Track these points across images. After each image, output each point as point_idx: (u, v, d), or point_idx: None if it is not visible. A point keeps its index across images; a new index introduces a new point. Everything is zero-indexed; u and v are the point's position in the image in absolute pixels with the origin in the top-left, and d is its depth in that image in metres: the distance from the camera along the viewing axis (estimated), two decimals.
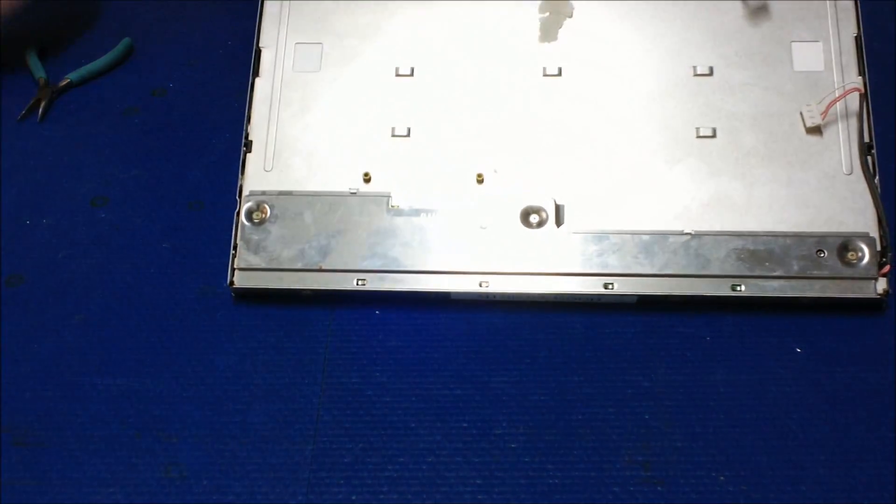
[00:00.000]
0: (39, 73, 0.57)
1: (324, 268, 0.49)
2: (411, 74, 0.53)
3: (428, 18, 0.54)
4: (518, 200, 0.49)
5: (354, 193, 0.50)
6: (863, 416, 0.44)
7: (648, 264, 0.47)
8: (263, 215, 0.50)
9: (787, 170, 0.49)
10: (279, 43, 0.53)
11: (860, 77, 0.49)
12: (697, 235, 0.48)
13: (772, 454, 0.43)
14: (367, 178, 0.50)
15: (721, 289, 0.47)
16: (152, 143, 0.56)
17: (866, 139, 0.49)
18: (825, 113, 0.49)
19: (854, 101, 0.49)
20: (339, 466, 0.44)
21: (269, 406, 0.46)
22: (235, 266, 0.49)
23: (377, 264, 0.48)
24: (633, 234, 0.48)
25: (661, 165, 0.50)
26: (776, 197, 0.48)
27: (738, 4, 0.52)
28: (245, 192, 0.50)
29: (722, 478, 0.43)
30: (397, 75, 0.53)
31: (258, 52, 0.53)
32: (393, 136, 0.51)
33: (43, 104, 0.56)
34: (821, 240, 0.47)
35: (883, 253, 0.47)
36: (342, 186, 0.50)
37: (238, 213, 0.50)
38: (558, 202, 0.49)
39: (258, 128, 0.52)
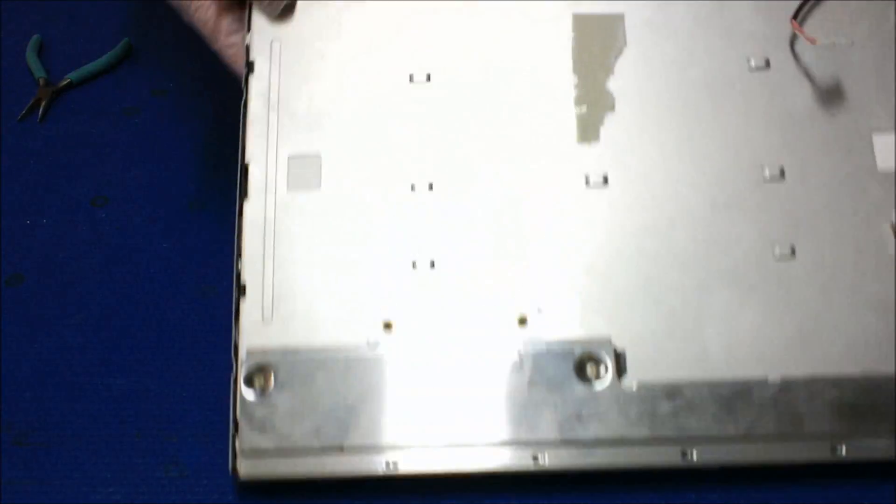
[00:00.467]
0: (39, 72, 0.57)
1: (346, 448, 0.41)
2: (430, 189, 0.45)
3: (448, 121, 0.45)
4: (569, 346, 0.42)
5: (374, 347, 0.43)
6: None
7: (732, 425, 0.40)
8: (267, 384, 0.42)
9: (883, 294, 0.42)
10: (269, 156, 0.45)
11: None
12: (785, 384, 0.41)
13: None
14: (388, 326, 0.43)
15: (818, 452, 0.40)
16: (152, 143, 0.56)
17: None
18: None
19: None
20: None
21: None
22: (238, 449, 0.42)
23: (410, 440, 0.41)
24: (710, 384, 0.41)
25: (732, 293, 0.43)
26: (874, 329, 0.41)
27: (805, 91, 0.46)
28: (242, 352, 0.42)
29: None
30: (413, 190, 0.45)
31: (245, 169, 0.45)
32: (414, 269, 0.43)
33: (43, 104, 0.56)
34: None
35: None
36: (359, 338, 0.43)
37: (236, 381, 0.41)
38: (617, 347, 0.42)
39: (252, 266, 0.43)
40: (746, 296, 0.43)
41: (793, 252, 0.43)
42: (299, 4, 0.48)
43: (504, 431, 0.41)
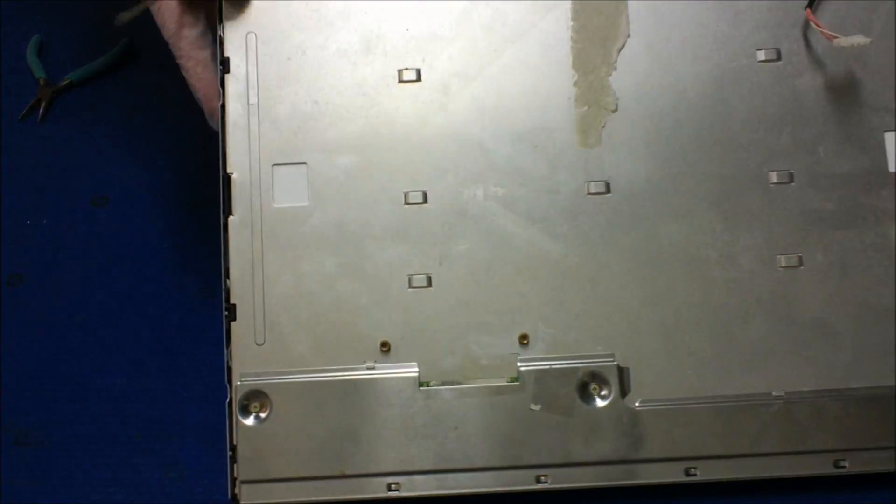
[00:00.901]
0: (40, 73, 0.57)
1: (346, 473, 0.41)
2: (424, 201, 0.43)
3: (440, 123, 0.44)
4: (573, 364, 0.41)
5: (372, 368, 0.42)
6: None
7: (736, 442, 0.40)
8: (263, 410, 0.41)
9: (891, 305, 0.41)
10: (251, 165, 0.43)
11: None
12: (789, 399, 0.40)
13: None
14: (386, 347, 0.42)
15: (822, 466, 0.40)
16: (153, 143, 0.56)
17: None
18: None
19: None
20: None
21: None
22: (238, 478, 0.41)
23: (411, 463, 0.40)
24: (714, 401, 0.41)
25: (737, 306, 0.42)
26: (879, 341, 0.41)
27: (817, 85, 0.44)
28: (236, 377, 0.41)
29: None
30: (407, 203, 0.43)
31: (227, 179, 0.43)
32: (411, 287, 0.42)
33: (43, 104, 0.56)
34: None
35: None
36: (356, 360, 0.42)
37: (231, 407, 0.41)
38: (620, 365, 0.41)
39: (241, 286, 0.42)
40: (751, 308, 0.42)
41: (800, 261, 0.42)
42: None
43: (507, 452, 0.41)
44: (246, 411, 0.42)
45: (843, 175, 0.43)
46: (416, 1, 0.45)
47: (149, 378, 0.47)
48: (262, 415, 0.42)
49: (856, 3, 0.45)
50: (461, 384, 0.42)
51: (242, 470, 0.41)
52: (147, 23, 0.61)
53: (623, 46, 0.45)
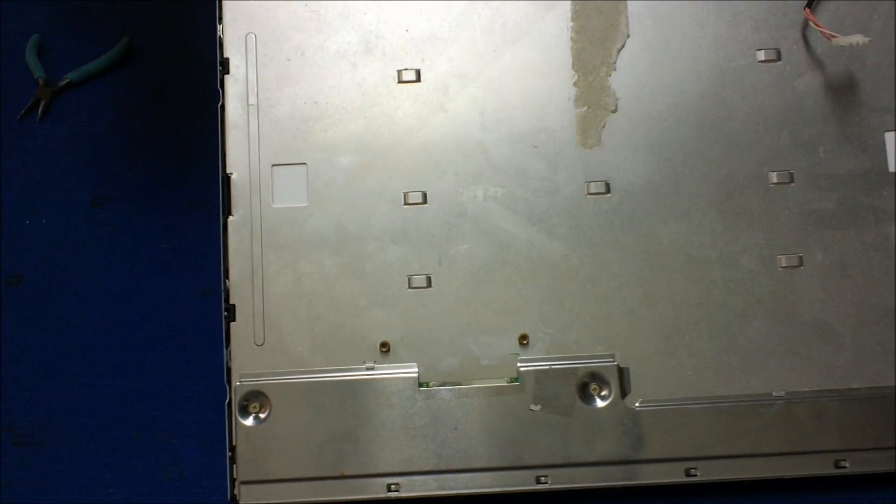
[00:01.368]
0: (39, 72, 0.57)
1: (346, 473, 0.41)
2: (424, 202, 0.43)
3: (439, 124, 0.44)
4: (573, 365, 0.41)
5: (371, 368, 0.42)
6: None
7: (736, 442, 0.40)
8: (263, 411, 0.41)
9: (891, 304, 0.41)
10: (251, 165, 0.43)
11: None
12: (789, 399, 0.41)
13: None
14: (386, 347, 0.42)
15: (822, 466, 0.40)
16: (152, 143, 0.55)
17: None
18: None
19: None
20: None
21: None
22: (237, 478, 0.41)
23: (411, 463, 0.40)
24: (714, 401, 0.41)
25: (737, 307, 0.42)
26: (880, 341, 0.41)
27: (816, 85, 0.44)
28: (235, 377, 0.41)
29: None
30: (407, 203, 0.43)
31: (227, 179, 0.43)
32: (410, 287, 0.42)
33: (42, 104, 0.56)
34: None
35: None
36: (355, 360, 0.42)
37: (230, 407, 0.41)
38: (621, 365, 0.41)
39: (240, 286, 0.42)
40: (752, 308, 0.42)
41: (800, 261, 0.42)
42: None
43: (507, 452, 0.41)
44: (245, 412, 0.42)
45: (843, 175, 0.43)
46: (415, 1, 0.45)
47: (149, 378, 0.47)
48: (262, 415, 0.42)
49: (855, 2, 0.45)
50: (461, 385, 0.42)
51: (242, 470, 0.41)
52: (147, 22, 0.62)
53: (623, 47, 0.45)
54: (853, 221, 0.43)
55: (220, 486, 0.42)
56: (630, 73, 0.44)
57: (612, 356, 0.42)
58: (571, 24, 0.45)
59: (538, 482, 0.41)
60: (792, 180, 0.43)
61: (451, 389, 0.42)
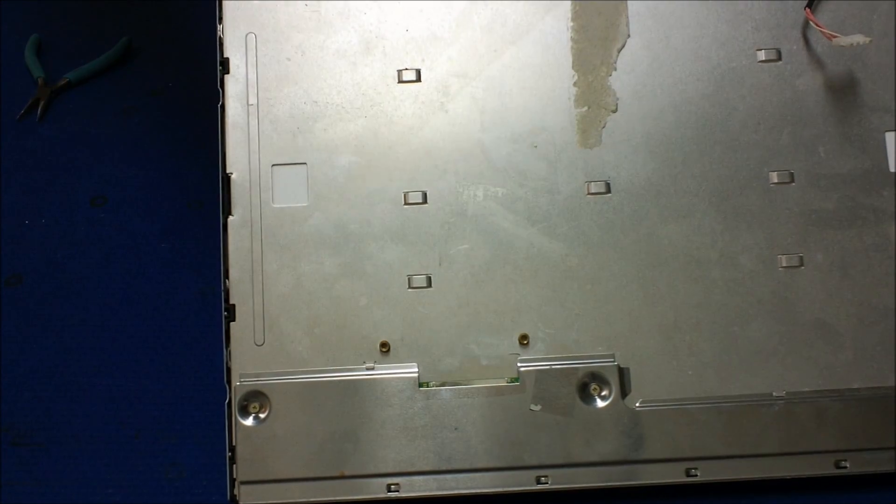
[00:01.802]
0: (38, 72, 0.57)
1: (346, 473, 0.41)
2: (424, 201, 0.43)
3: (440, 123, 0.44)
4: (573, 365, 0.41)
5: (371, 368, 0.42)
6: None
7: (737, 442, 0.40)
8: (263, 411, 0.41)
9: (891, 304, 0.41)
10: (251, 165, 0.43)
11: None
12: (789, 399, 0.41)
13: None
14: (386, 347, 0.42)
15: (822, 466, 0.40)
16: (152, 143, 0.55)
17: None
18: None
19: None
20: None
21: None
22: (237, 478, 0.41)
23: (411, 463, 0.40)
24: (715, 403, 0.41)
25: (737, 307, 0.42)
26: (880, 340, 0.41)
27: (817, 85, 0.44)
28: (235, 377, 0.41)
29: None
30: (407, 203, 0.43)
31: (226, 179, 0.43)
32: (411, 287, 0.42)
33: (42, 104, 0.56)
34: None
35: None
36: (355, 360, 0.42)
37: (230, 407, 0.41)
38: (621, 364, 0.41)
39: (240, 286, 0.42)
40: (752, 308, 0.42)
41: (800, 261, 0.42)
42: None
43: (508, 452, 0.41)
44: (245, 412, 0.42)
45: (843, 175, 0.43)
46: (415, 1, 0.45)
47: (148, 378, 0.47)
48: (262, 415, 0.42)
49: (855, 2, 0.45)
50: (461, 385, 0.42)
51: (242, 470, 0.41)
52: (146, 22, 0.61)
53: (623, 47, 0.45)
54: (853, 221, 0.43)
55: (220, 487, 0.42)
56: (630, 72, 0.44)
57: (613, 356, 0.42)
58: (572, 23, 0.45)
59: (538, 482, 0.41)
60: (792, 180, 0.43)
61: (451, 389, 0.42)
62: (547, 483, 0.41)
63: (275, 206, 0.43)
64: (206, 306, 0.49)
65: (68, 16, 0.60)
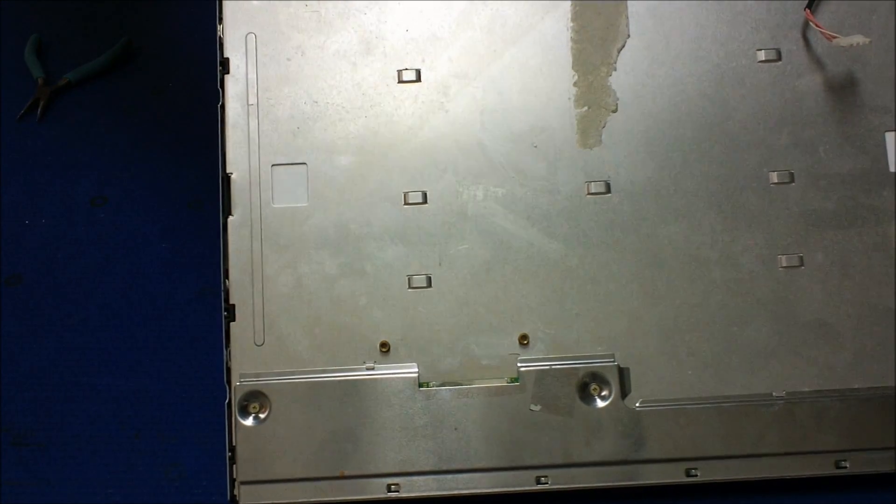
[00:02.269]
0: (38, 72, 0.57)
1: (346, 474, 0.41)
2: (424, 201, 0.43)
3: (440, 123, 0.44)
4: (573, 365, 0.41)
5: (371, 369, 0.42)
6: None
7: (736, 442, 0.40)
8: (263, 411, 0.41)
9: (891, 304, 0.41)
10: (251, 165, 0.43)
11: None
12: (789, 399, 0.41)
13: None
14: (386, 347, 0.42)
15: (822, 467, 0.40)
16: (152, 143, 0.55)
17: None
18: None
19: None
20: None
21: None
22: (237, 479, 0.41)
23: (411, 464, 0.40)
24: (715, 403, 0.41)
25: (738, 307, 0.42)
26: (880, 340, 0.41)
27: (817, 85, 0.44)
28: (235, 377, 0.41)
29: None
30: (407, 203, 0.43)
31: (226, 179, 0.43)
32: (410, 287, 0.42)
33: (42, 104, 0.56)
34: None
35: None
36: (355, 360, 0.42)
37: (230, 408, 0.41)
38: (621, 365, 0.41)
39: (240, 286, 0.42)
40: (752, 309, 0.42)
41: (800, 262, 0.42)
42: None
43: (508, 452, 0.41)
44: (245, 412, 0.42)
45: (843, 175, 0.43)
46: (415, 1, 0.45)
47: (148, 378, 0.47)
48: (262, 415, 0.42)
49: (855, 3, 0.45)
50: (461, 385, 0.42)
51: (242, 471, 0.41)
52: (146, 22, 0.61)
53: (623, 47, 0.45)
54: (853, 221, 0.43)
55: (220, 487, 0.42)
56: (630, 73, 0.44)
57: (613, 356, 0.42)
58: (572, 24, 0.45)
59: (538, 482, 0.41)
60: (792, 180, 0.43)
61: (451, 389, 0.42)
62: (547, 483, 0.41)
63: (275, 206, 0.43)
64: (206, 306, 0.49)
65: (68, 16, 0.60)
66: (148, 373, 0.47)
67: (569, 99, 0.44)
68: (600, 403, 0.41)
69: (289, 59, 0.45)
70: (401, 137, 0.44)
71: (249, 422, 0.41)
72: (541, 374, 0.41)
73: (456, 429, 0.41)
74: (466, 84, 0.44)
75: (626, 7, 0.45)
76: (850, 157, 0.44)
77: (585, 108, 0.44)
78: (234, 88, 0.44)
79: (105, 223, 0.53)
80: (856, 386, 0.41)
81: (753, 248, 0.43)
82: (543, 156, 0.44)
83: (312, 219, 0.43)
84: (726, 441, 0.41)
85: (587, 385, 0.42)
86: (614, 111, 0.44)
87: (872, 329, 0.42)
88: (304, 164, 0.44)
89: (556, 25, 0.45)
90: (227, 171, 0.43)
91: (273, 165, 0.44)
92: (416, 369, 0.42)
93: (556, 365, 0.42)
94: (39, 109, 0.56)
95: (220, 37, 0.45)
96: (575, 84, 0.44)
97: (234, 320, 0.42)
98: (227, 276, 0.42)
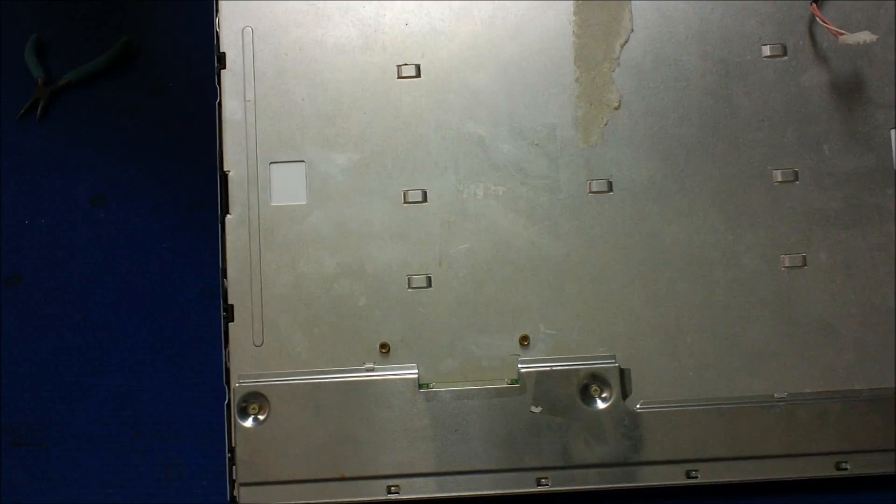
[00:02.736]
0: (38, 72, 0.57)
1: (345, 475, 0.41)
2: (424, 200, 0.43)
3: (440, 121, 0.43)
4: (573, 366, 0.41)
5: (371, 370, 0.41)
6: None
7: (737, 444, 0.40)
8: (262, 412, 0.41)
9: (893, 305, 0.41)
10: (249, 162, 0.43)
11: None
12: (791, 401, 0.40)
13: None
14: (385, 348, 0.42)
15: (823, 468, 0.40)
16: (152, 143, 0.55)
17: None
18: None
19: None
20: None
21: None
22: (236, 480, 0.41)
23: (411, 465, 0.40)
24: (716, 404, 0.41)
25: (740, 307, 0.41)
26: (882, 342, 0.41)
27: (822, 81, 0.43)
28: (234, 379, 0.41)
29: None
30: (406, 202, 0.43)
31: (224, 177, 0.43)
32: (410, 287, 0.42)
33: (42, 104, 0.56)
34: None
35: None
36: (354, 361, 0.42)
37: (230, 409, 0.41)
38: (622, 366, 0.41)
39: (239, 286, 0.42)
40: (754, 309, 0.42)
41: (804, 261, 0.42)
42: None
43: (508, 454, 0.41)
44: (244, 413, 0.41)
45: (848, 173, 0.43)
46: None
47: (147, 379, 0.47)
48: (261, 417, 0.41)
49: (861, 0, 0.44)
50: (461, 386, 0.41)
51: (241, 472, 0.41)
52: (146, 22, 0.61)
53: (626, 42, 0.44)
54: (858, 221, 0.42)
55: (220, 488, 0.42)
56: (633, 69, 0.44)
57: (614, 357, 0.42)
58: (574, 18, 0.45)
59: (539, 484, 0.41)
60: (796, 179, 0.43)
61: (451, 391, 0.41)
62: (547, 485, 0.41)
63: (273, 204, 0.43)
64: (207, 306, 0.49)
65: (68, 16, 0.60)
66: (148, 373, 0.47)
67: (570, 95, 0.44)
68: (601, 405, 0.41)
69: (286, 54, 0.44)
70: (400, 134, 0.44)
71: (249, 423, 0.41)
72: (541, 376, 0.41)
73: (456, 430, 0.41)
74: (467, 80, 0.44)
75: (630, 2, 0.44)
76: (855, 155, 0.43)
77: (587, 104, 0.44)
78: (230, 84, 0.44)
79: (105, 223, 0.53)
80: (857, 387, 0.41)
81: (756, 248, 0.42)
82: (545, 154, 0.43)
83: (311, 217, 0.43)
84: (727, 442, 0.40)
85: (588, 386, 0.41)
86: (617, 108, 0.43)
87: (875, 330, 0.41)
88: (303, 161, 0.43)
89: (558, 20, 0.44)
90: (225, 168, 0.43)
91: (271, 163, 0.43)
92: (416, 370, 0.42)
93: (557, 366, 0.41)
94: (39, 109, 0.56)
95: (216, 31, 0.44)
96: (577, 80, 0.44)
97: (232, 321, 0.42)
98: (225, 276, 0.42)
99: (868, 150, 0.43)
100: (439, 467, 0.41)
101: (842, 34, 0.41)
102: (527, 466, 0.41)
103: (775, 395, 0.41)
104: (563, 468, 0.41)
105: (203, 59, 0.59)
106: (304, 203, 0.43)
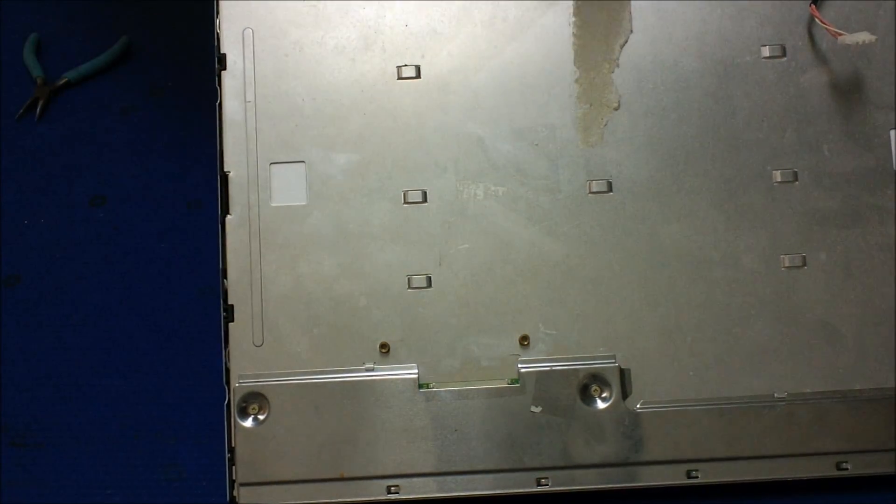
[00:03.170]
0: (37, 71, 0.57)
1: (345, 475, 0.41)
2: (424, 200, 0.43)
3: (440, 121, 0.43)
4: (573, 366, 0.41)
5: (371, 370, 0.41)
6: None
7: (738, 444, 0.40)
8: (262, 412, 0.41)
9: (893, 305, 0.41)
10: (249, 163, 0.43)
11: None
12: (791, 401, 0.41)
13: None
14: (385, 348, 0.42)
15: (824, 468, 0.40)
16: (151, 142, 0.55)
17: None
18: None
19: None
20: None
21: None
22: (236, 480, 0.41)
23: (411, 465, 0.40)
24: (716, 404, 0.41)
25: (740, 307, 0.42)
26: (882, 341, 0.41)
27: (822, 81, 0.43)
28: (234, 379, 0.41)
29: None
30: (406, 202, 0.43)
31: (224, 177, 0.43)
32: (410, 287, 0.42)
33: (41, 103, 0.56)
34: None
35: None
36: (354, 361, 0.42)
37: (229, 409, 0.41)
38: (622, 366, 0.41)
39: (239, 286, 0.42)
40: (754, 309, 0.42)
41: (803, 261, 0.42)
42: None
43: (508, 454, 0.41)
44: (244, 413, 0.41)
45: (847, 174, 0.43)
46: None
47: (147, 379, 0.47)
48: (261, 417, 0.41)
49: (861, 0, 0.44)
50: (461, 386, 0.41)
51: (241, 472, 0.41)
52: (145, 21, 0.61)
53: (626, 43, 0.44)
54: (857, 221, 0.43)
55: (220, 488, 0.42)
56: (633, 69, 0.44)
57: (614, 357, 0.42)
58: (573, 19, 0.45)
59: (539, 484, 0.41)
60: (796, 179, 0.43)
61: (451, 391, 0.41)
62: (547, 485, 0.41)
63: (273, 204, 0.43)
64: (206, 306, 0.49)
65: (68, 15, 0.60)
66: (147, 373, 0.47)
67: (570, 96, 0.44)
68: (601, 405, 0.41)
69: (286, 55, 0.44)
70: (400, 135, 0.44)
71: (249, 423, 0.41)
72: (541, 376, 0.41)
73: (456, 430, 0.41)
74: (467, 80, 0.44)
75: (629, 2, 0.45)
76: (855, 155, 0.43)
77: (587, 105, 0.44)
78: (231, 85, 0.44)
79: (104, 223, 0.53)
80: (857, 387, 0.41)
81: (756, 248, 0.42)
82: (545, 154, 0.43)
83: (311, 218, 0.43)
84: (727, 442, 0.41)
85: (588, 386, 0.41)
86: (616, 108, 0.44)
87: (875, 330, 0.42)
88: (303, 162, 0.43)
89: (558, 21, 0.44)
90: (225, 169, 0.43)
91: (271, 164, 0.43)
92: (416, 370, 0.42)
93: (557, 366, 0.41)
94: (38, 109, 0.56)
95: (216, 32, 0.44)
96: (577, 81, 0.44)
97: (232, 321, 0.42)
98: (225, 276, 0.42)
99: (868, 151, 0.43)
100: (439, 467, 0.41)
101: (841, 35, 0.41)
102: (527, 466, 0.41)
103: (775, 395, 0.41)
104: (563, 468, 0.41)
105: (203, 59, 0.59)
106: (304, 203, 0.43)
